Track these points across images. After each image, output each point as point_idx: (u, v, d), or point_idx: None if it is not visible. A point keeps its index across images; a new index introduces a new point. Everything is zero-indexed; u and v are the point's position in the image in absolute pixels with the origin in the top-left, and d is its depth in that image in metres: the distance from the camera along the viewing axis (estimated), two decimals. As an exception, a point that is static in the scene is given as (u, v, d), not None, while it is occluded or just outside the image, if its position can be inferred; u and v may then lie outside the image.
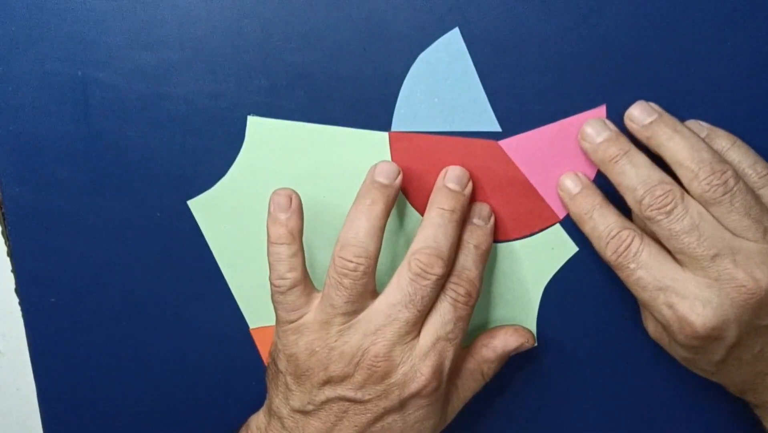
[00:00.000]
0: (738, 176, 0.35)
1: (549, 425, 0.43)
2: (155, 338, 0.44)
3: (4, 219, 0.43)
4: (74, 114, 0.41)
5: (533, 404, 0.44)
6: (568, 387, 0.44)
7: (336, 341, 0.38)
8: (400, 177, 0.39)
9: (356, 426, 0.38)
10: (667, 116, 0.38)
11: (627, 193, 0.37)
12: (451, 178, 0.40)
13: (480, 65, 0.39)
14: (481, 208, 0.41)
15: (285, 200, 0.39)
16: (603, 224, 0.38)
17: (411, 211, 0.42)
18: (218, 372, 0.45)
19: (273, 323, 0.41)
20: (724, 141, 0.38)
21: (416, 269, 0.37)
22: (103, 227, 0.43)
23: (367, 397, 0.38)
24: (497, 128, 0.40)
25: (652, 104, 0.38)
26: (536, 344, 0.42)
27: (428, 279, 0.37)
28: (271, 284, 0.39)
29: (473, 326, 0.43)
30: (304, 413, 0.39)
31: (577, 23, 0.39)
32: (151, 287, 0.44)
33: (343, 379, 0.38)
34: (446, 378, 0.38)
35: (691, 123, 0.39)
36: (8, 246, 0.44)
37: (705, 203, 0.35)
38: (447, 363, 0.38)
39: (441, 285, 0.38)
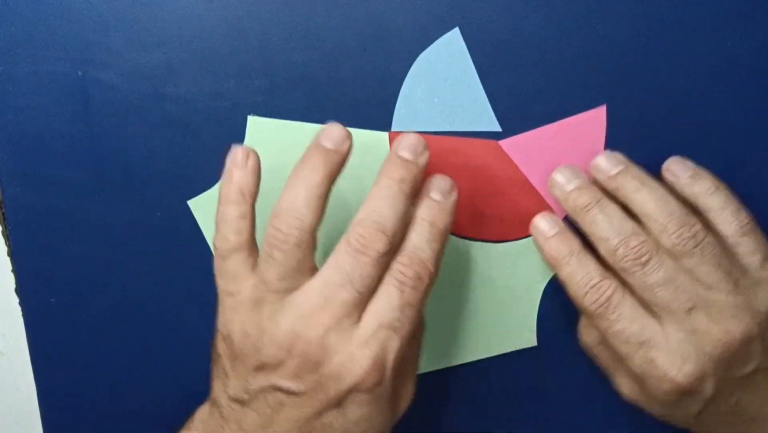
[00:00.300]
0: (706, 229, 0.35)
1: (549, 424, 0.43)
2: (155, 338, 0.44)
3: (4, 219, 0.43)
4: (74, 114, 0.41)
5: (533, 404, 0.44)
6: (568, 387, 0.44)
7: (268, 322, 0.34)
8: (347, 143, 0.35)
9: (295, 421, 0.35)
10: (633, 168, 0.37)
11: (600, 243, 0.36)
12: (404, 145, 0.36)
13: (480, 65, 0.39)
14: (441, 182, 0.36)
15: (242, 156, 0.36)
16: (582, 271, 0.36)
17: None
18: (218, 372, 0.45)
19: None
20: (708, 183, 0.37)
21: (355, 244, 0.34)
22: (103, 226, 0.43)
23: (302, 388, 0.34)
24: (497, 128, 0.40)
25: (618, 154, 0.38)
26: (536, 344, 0.42)
27: (368, 256, 0.33)
28: (213, 247, 0.36)
29: (472, 327, 0.43)
30: (241, 402, 0.36)
31: (577, 23, 0.39)
32: (151, 287, 0.44)
33: (276, 366, 0.34)
34: (391, 373, 0.34)
35: (677, 161, 0.38)
36: (8, 246, 0.44)
37: (676, 256, 0.35)
38: (391, 356, 0.34)
39: (385, 264, 0.34)
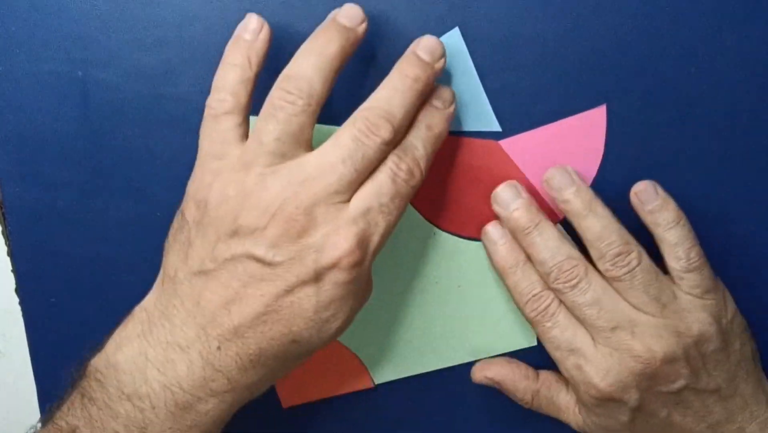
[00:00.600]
0: (642, 256, 0.37)
1: (549, 424, 0.43)
2: (155, 338, 0.44)
3: (4, 219, 0.43)
4: (74, 114, 0.41)
5: (533, 404, 0.44)
6: (568, 387, 0.44)
7: (255, 185, 0.33)
8: (364, 26, 0.35)
9: (263, 296, 0.33)
10: (582, 190, 0.38)
11: (536, 265, 0.39)
12: (424, 46, 0.36)
13: (480, 65, 0.39)
14: (443, 91, 0.37)
15: (256, 25, 0.35)
16: (526, 281, 0.39)
17: (412, 212, 0.42)
18: (218, 372, 0.45)
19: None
20: (670, 216, 0.38)
21: (361, 127, 0.34)
22: (103, 226, 0.43)
23: (278, 259, 0.33)
24: (497, 128, 0.40)
25: (571, 172, 0.38)
26: (536, 344, 0.42)
27: (372, 141, 0.33)
28: (206, 106, 0.35)
29: (472, 326, 0.43)
30: (203, 273, 0.34)
31: (578, 23, 0.39)
32: (151, 287, 0.44)
33: (253, 231, 0.33)
34: (370, 258, 0.34)
35: (647, 188, 0.38)
36: (8, 246, 0.44)
37: (609, 280, 0.38)
38: (375, 238, 0.34)
39: (384, 154, 0.34)
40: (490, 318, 0.43)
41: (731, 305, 0.39)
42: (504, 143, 0.40)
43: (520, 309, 0.40)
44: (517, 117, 0.40)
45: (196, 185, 0.35)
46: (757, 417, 0.39)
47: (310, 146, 0.35)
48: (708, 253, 0.38)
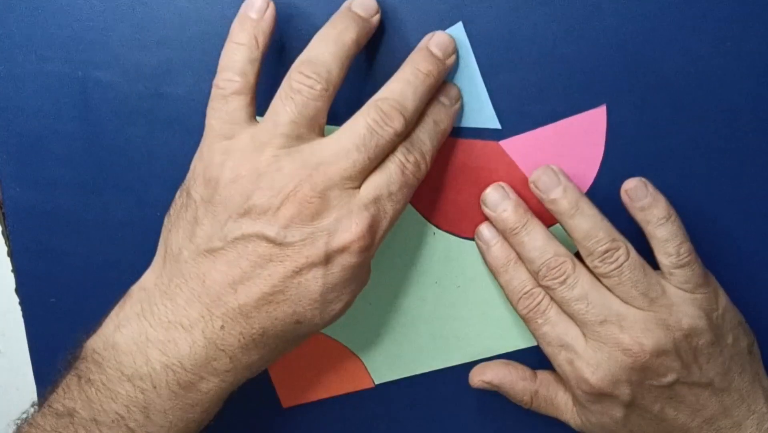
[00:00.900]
0: (630, 252, 0.38)
1: (549, 424, 0.43)
2: (155, 338, 0.44)
3: (4, 219, 0.43)
4: (74, 114, 0.41)
5: (533, 404, 0.44)
6: (568, 387, 0.44)
7: (268, 166, 0.34)
8: (378, 17, 0.36)
9: (270, 276, 0.34)
10: (570, 190, 0.38)
11: (526, 264, 0.39)
12: (436, 42, 0.37)
13: (482, 62, 0.39)
14: (451, 89, 0.38)
15: (261, 4, 0.35)
16: (518, 279, 0.39)
17: (411, 212, 0.42)
18: (218, 372, 0.45)
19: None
20: (660, 213, 0.38)
21: (375, 117, 0.34)
22: (103, 226, 0.43)
23: (289, 240, 0.33)
24: (497, 125, 0.40)
25: (558, 172, 0.38)
26: (536, 343, 0.42)
27: (385, 131, 0.34)
28: (214, 86, 0.35)
29: (473, 326, 0.43)
30: (210, 252, 0.34)
31: (578, 23, 0.39)
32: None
33: (265, 212, 0.33)
34: (377, 243, 0.35)
35: (638, 185, 0.38)
36: (8, 246, 0.44)
37: (598, 277, 0.38)
38: (384, 224, 0.35)
39: (394, 145, 0.35)
40: (490, 318, 0.43)
41: (723, 300, 0.39)
42: (504, 143, 0.40)
43: (513, 307, 0.40)
44: (516, 116, 0.40)
45: (204, 164, 0.35)
46: (754, 412, 0.39)
47: (323, 132, 0.35)
48: (708, 252, 0.38)
